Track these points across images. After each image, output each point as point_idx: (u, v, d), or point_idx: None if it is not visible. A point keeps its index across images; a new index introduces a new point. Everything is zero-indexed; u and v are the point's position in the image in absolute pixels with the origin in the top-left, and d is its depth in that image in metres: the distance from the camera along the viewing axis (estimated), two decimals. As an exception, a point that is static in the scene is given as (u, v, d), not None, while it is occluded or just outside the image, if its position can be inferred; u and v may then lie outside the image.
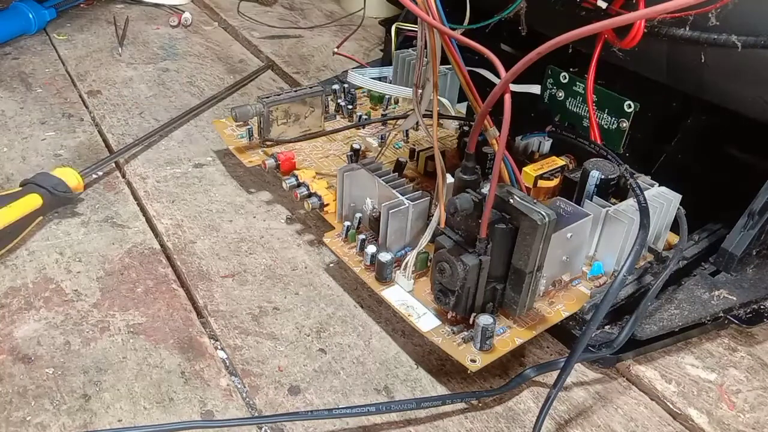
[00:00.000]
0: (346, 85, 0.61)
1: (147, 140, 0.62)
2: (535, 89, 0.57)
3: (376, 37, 0.90)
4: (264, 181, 0.58)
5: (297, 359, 0.41)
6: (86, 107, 0.68)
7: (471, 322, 0.39)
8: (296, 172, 0.51)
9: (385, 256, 0.42)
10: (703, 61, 0.42)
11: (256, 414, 0.38)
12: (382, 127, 0.59)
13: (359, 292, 0.47)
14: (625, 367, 0.42)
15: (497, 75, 0.33)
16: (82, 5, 0.93)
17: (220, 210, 0.54)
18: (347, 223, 0.46)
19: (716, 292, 0.44)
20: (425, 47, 0.38)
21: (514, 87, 0.55)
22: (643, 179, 0.46)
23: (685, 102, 0.49)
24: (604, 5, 0.44)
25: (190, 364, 0.40)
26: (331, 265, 0.49)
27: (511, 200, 0.36)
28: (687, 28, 0.42)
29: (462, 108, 0.62)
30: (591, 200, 0.44)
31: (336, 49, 0.77)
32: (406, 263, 0.41)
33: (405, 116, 0.58)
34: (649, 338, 0.42)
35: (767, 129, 0.43)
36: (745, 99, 0.43)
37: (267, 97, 0.53)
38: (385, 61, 0.74)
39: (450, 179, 0.41)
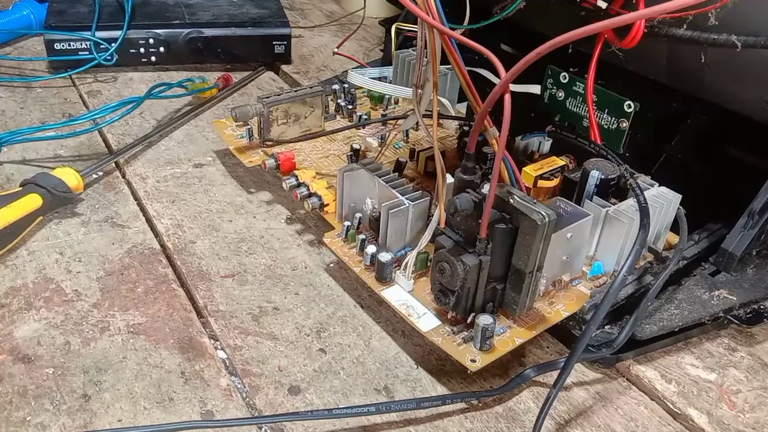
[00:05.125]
0: (346, 85, 0.61)
1: (147, 140, 0.62)
2: (535, 89, 0.57)
3: (376, 37, 0.90)
4: (264, 181, 0.59)
5: (297, 359, 0.41)
6: (86, 107, 0.68)
7: (471, 322, 0.39)
8: (296, 172, 0.51)
9: (385, 256, 0.42)
10: (703, 61, 0.42)
11: (256, 414, 0.38)
12: (382, 127, 0.59)
13: (359, 292, 0.47)
14: (625, 367, 0.42)
15: (497, 75, 0.33)
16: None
17: (220, 210, 0.54)
18: (347, 223, 0.46)
19: (716, 292, 0.44)
20: (425, 47, 0.38)
21: (514, 87, 0.55)
22: (643, 179, 0.46)
23: (685, 102, 0.49)
24: (604, 5, 0.44)
25: (190, 364, 0.40)
26: (331, 265, 0.49)
27: (511, 200, 0.36)
28: (687, 28, 0.42)
29: (462, 108, 0.62)
30: (591, 200, 0.44)
31: (336, 49, 0.77)
32: (406, 263, 0.41)
33: (405, 116, 0.58)
34: (649, 338, 0.42)
35: (767, 129, 0.43)
36: (745, 99, 0.43)
37: (267, 97, 0.53)
38: (385, 61, 0.74)
39: (450, 179, 0.41)
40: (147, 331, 0.42)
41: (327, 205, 0.48)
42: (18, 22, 0.79)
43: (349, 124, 0.59)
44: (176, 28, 0.75)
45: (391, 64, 0.63)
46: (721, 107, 0.45)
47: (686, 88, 0.46)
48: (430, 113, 0.41)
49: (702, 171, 0.52)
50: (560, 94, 0.54)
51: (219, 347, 0.42)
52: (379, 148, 0.56)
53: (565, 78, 0.54)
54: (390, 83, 0.63)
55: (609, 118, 0.51)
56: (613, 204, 0.43)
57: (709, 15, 0.40)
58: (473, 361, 0.37)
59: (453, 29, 0.37)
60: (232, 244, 0.51)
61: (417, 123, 0.53)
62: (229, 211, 0.54)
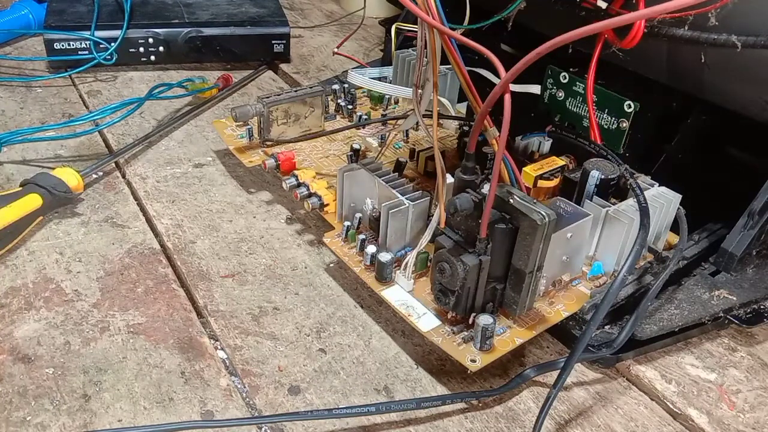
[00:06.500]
0: (346, 85, 0.61)
1: (147, 140, 0.62)
2: (535, 89, 0.57)
3: (376, 37, 0.90)
4: (264, 181, 0.58)
5: (297, 359, 0.41)
6: (86, 107, 0.68)
7: (471, 322, 0.39)
8: (296, 172, 0.51)
9: (385, 256, 0.42)
10: (703, 61, 0.42)
11: (256, 414, 0.38)
12: (382, 127, 0.59)
13: (359, 292, 0.47)
14: (625, 367, 0.42)
15: (497, 75, 0.33)
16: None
17: (220, 210, 0.54)
18: (347, 223, 0.46)
19: (716, 292, 0.44)
20: (425, 47, 0.38)
21: (514, 87, 0.55)
22: (643, 179, 0.46)
23: (685, 102, 0.49)
24: (604, 5, 0.44)
25: (190, 364, 0.40)
26: (331, 265, 0.49)
27: (511, 200, 0.36)
28: (687, 28, 0.42)
29: (462, 108, 0.62)
30: (591, 200, 0.44)
31: (336, 49, 0.77)
32: (406, 263, 0.41)
33: (405, 116, 0.58)
34: (649, 338, 0.42)
35: (767, 129, 0.43)
36: (745, 99, 0.43)
37: (267, 97, 0.53)
38: (385, 61, 0.74)
39: (450, 179, 0.41)
40: (147, 331, 0.42)
41: (327, 205, 0.48)
42: (17, 21, 0.79)
43: (349, 124, 0.59)
44: (175, 27, 0.75)
45: (391, 64, 0.63)
46: (721, 107, 0.45)
47: (686, 88, 0.46)
48: (430, 113, 0.41)
49: (702, 171, 0.52)
50: (560, 94, 0.54)
51: (219, 347, 0.42)
52: (379, 148, 0.56)
53: (565, 78, 0.54)
54: (390, 83, 0.63)
55: (609, 118, 0.51)
56: (613, 204, 0.43)
57: (709, 15, 0.40)
58: (473, 361, 0.37)
59: (453, 29, 0.37)
60: (232, 244, 0.51)
61: (417, 123, 0.53)
62: (229, 211, 0.54)
